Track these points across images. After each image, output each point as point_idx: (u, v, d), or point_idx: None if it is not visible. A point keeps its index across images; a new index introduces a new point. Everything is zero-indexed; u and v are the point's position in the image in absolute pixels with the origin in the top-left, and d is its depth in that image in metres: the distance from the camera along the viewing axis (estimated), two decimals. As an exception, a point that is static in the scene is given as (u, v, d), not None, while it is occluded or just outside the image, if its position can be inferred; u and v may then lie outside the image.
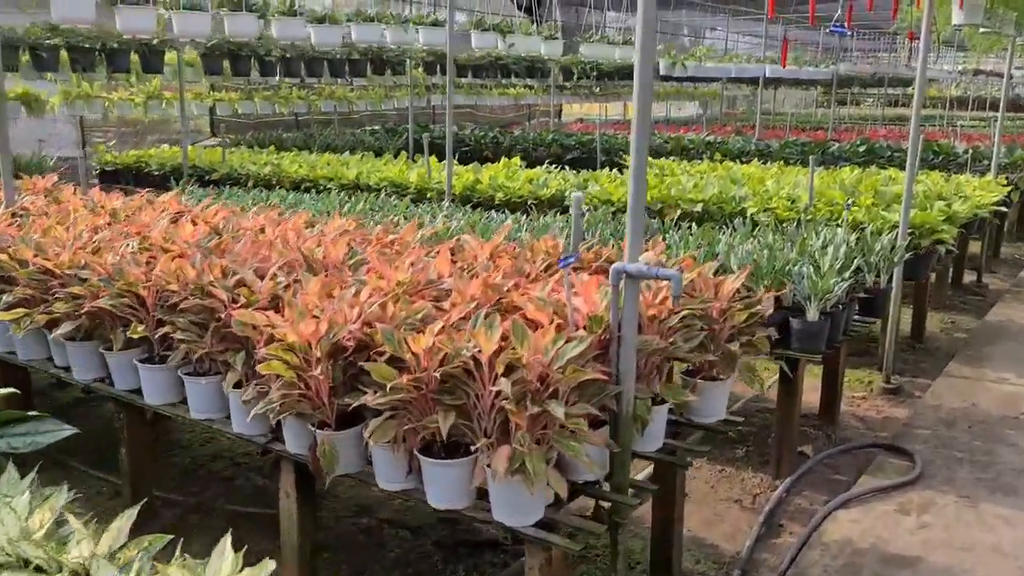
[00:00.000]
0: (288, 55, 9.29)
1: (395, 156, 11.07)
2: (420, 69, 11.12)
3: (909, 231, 5.07)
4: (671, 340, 2.56)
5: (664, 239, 4.40)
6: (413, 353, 2.25)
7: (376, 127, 13.05)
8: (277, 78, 10.09)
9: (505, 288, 2.65)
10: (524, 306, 2.45)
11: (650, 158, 8.82)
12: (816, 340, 3.75)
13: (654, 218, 6.04)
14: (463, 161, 11.67)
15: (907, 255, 4.87)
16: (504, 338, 2.24)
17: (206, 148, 9.86)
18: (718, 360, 2.82)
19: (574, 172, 7.52)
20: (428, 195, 7.05)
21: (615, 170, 8.14)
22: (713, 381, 2.91)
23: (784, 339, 3.83)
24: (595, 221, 4.97)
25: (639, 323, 2.47)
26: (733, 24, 22.30)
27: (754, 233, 4.73)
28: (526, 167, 7.83)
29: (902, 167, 8.63)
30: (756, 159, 9.27)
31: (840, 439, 4.46)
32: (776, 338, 3.80)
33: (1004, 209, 6.68)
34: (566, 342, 2.23)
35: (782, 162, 8.46)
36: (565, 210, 6.13)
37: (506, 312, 2.52)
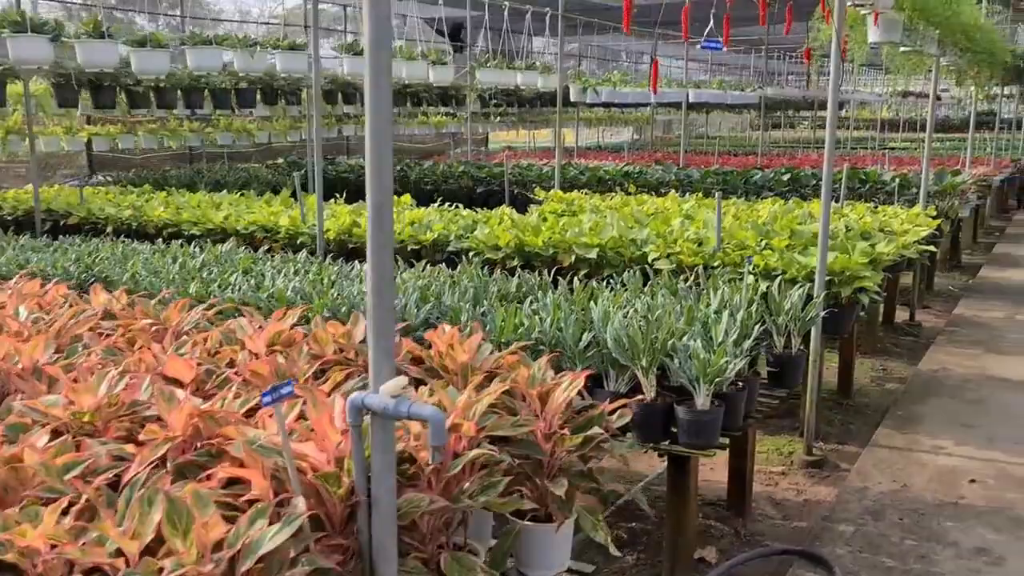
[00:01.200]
0: (162, 85, 8.42)
1: (292, 194, 10.24)
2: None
3: (828, 277, 4.41)
4: (460, 491, 1.78)
5: (532, 302, 3.65)
6: (21, 552, 1.43)
7: (280, 160, 12.19)
8: (159, 110, 9.21)
9: (231, 417, 1.84)
10: (237, 454, 1.65)
11: (560, 192, 8.12)
12: (708, 433, 3.01)
13: (545, 267, 5.31)
14: (362, 197, 10.89)
15: (825, 310, 4.20)
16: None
17: (71, 189, 8.89)
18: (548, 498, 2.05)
19: (474, 209, 6.78)
20: (300, 240, 6.23)
21: (521, 207, 7.43)
22: (545, 523, 2.14)
23: (669, 429, 3.09)
24: (458, 279, 4.20)
25: (410, 471, 1.69)
26: (667, 48, 21.97)
27: (652, 287, 4.01)
28: (441, 203, 7.06)
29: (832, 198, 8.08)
30: (675, 190, 8.64)
31: (751, 535, 3.72)
32: (662, 427, 3.08)
33: (932, 249, 6.08)
34: (270, 523, 1.44)
35: (700, 194, 7.83)
36: (450, 259, 5.36)
37: (221, 458, 1.71)
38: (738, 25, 17.40)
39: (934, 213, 6.71)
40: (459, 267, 4.55)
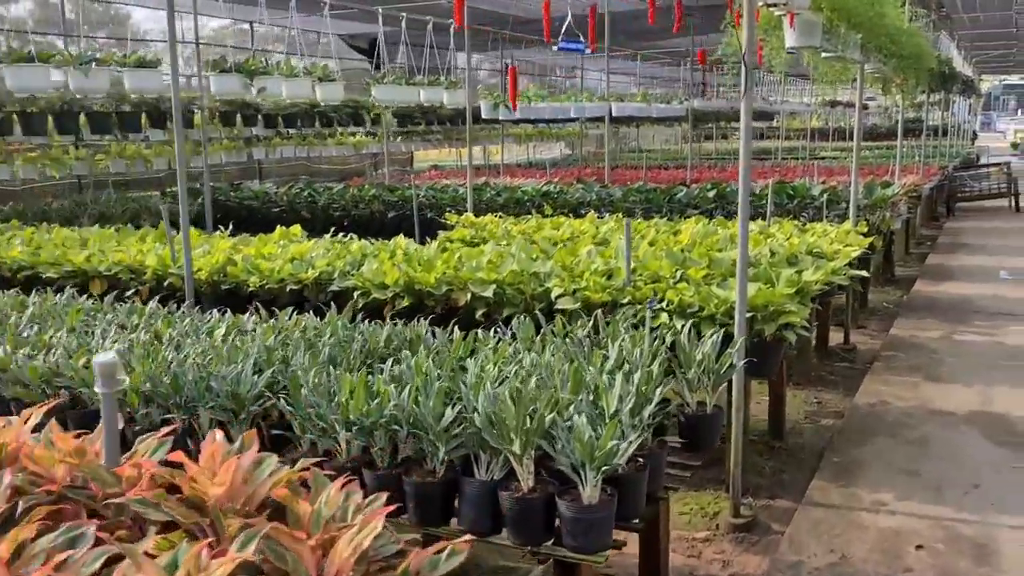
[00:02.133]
0: (28, 109, 7.60)
1: (193, 224, 9.44)
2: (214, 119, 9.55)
3: (750, 313, 3.88)
4: None
5: (397, 362, 3.02)
6: None
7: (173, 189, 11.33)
8: (35, 136, 8.39)
9: None
10: None
11: (471, 216, 7.52)
12: (598, 531, 2.41)
13: (439, 308, 4.70)
14: (269, 226, 10.15)
15: (746, 355, 3.66)
16: None
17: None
18: None
19: (380, 239, 6.13)
20: (169, 282, 5.50)
21: (434, 233, 6.80)
22: None
23: (552, 526, 2.49)
24: (322, 331, 3.55)
25: None
26: (597, 62, 21.58)
27: (544, 336, 3.41)
28: (346, 231, 6.41)
29: (756, 216, 7.62)
30: (596, 210, 8.11)
31: (667, 630, 3.13)
32: (543, 523, 2.48)
33: (864, 274, 5.63)
34: None
35: (620, 215, 7.30)
36: (333, 301, 4.71)
37: None
38: (668, 36, 17.16)
39: (865, 229, 6.28)
40: (328, 315, 3.90)
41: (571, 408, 2.58)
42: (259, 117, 9.79)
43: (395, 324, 3.74)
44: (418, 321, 3.98)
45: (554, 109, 10.42)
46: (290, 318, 3.97)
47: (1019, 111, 54.29)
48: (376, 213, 9.40)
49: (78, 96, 7.19)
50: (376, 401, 2.68)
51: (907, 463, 4.39)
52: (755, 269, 4.42)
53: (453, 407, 2.59)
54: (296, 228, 6.48)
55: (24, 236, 7.07)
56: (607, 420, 2.52)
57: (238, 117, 9.60)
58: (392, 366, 3.01)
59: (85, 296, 5.54)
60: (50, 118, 7.74)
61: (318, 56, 16.61)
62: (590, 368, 2.83)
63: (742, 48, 3.63)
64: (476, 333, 3.47)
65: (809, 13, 4.13)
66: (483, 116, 9.44)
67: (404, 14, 9.93)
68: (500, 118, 9.43)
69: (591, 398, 2.65)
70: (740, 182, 3.93)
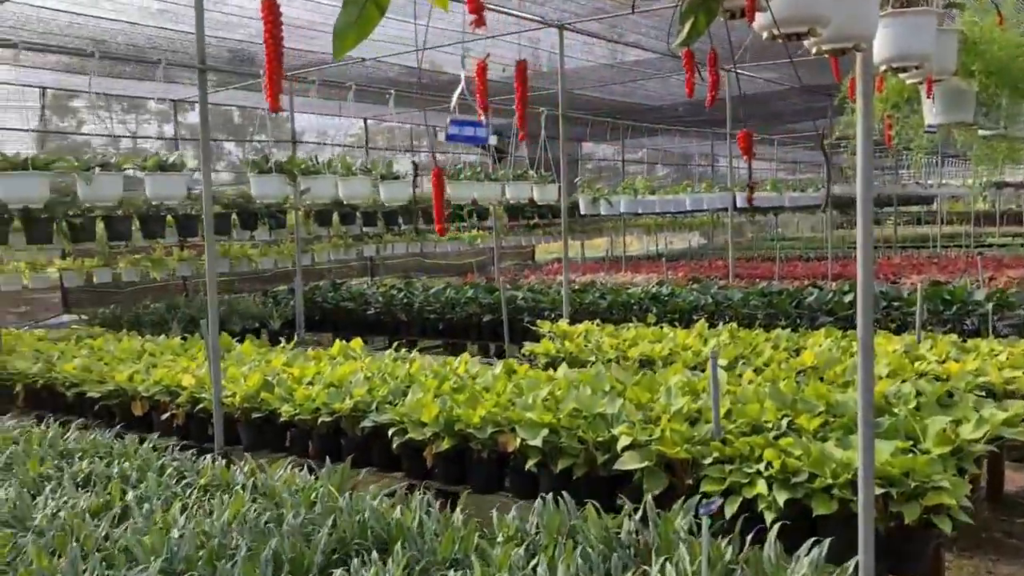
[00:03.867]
0: (115, 214, 7.40)
1: (278, 331, 9.05)
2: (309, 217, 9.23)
3: (880, 486, 2.79)
4: None
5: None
6: None
7: (281, 287, 11.10)
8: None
9: None
10: None
11: (564, 324, 6.64)
12: None
13: (487, 452, 3.81)
14: (365, 329, 9.64)
15: (876, 550, 2.56)
16: None
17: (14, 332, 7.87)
18: None
19: (469, 344, 5.37)
20: (202, 405, 4.90)
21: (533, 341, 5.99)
22: None
23: None
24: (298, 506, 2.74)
25: None
26: (734, 147, 20.50)
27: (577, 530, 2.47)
28: (445, 336, 5.74)
29: (905, 326, 6.36)
30: (709, 317, 7.06)
31: None
32: None
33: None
34: None
35: (735, 325, 6.23)
36: (371, 439, 3.94)
37: None
38: (803, 119, 15.98)
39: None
40: (309, 482, 3.09)
41: None
42: (357, 215, 9.39)
43: (391, 495, 2.87)
44: (463, 467, 3.09)
45: (665, 202, 9.51)
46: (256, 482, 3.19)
47: None
48: (472, 316, 8.68)
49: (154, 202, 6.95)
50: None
51: None
52: (891, 418, 3.30)
53: None
54: (356, 342, 5.79)
55: (96, 345, 6.77)
56: None
57: (335, 216, 9.23)
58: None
59: (119, 424, 5.06)
60: (136, 220, 7.54)
61: (445, 150, 16.47)
62: None
63: (857, 130, 2.65)
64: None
65: (956, 80, 3.12)
66: (581, 212, 8.64)
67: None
68: (602, 212, 8.61)
69: None
70: (860, 289, 2.77)
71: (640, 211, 9.58)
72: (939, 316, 6.32)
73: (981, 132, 3.97)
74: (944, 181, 18.56)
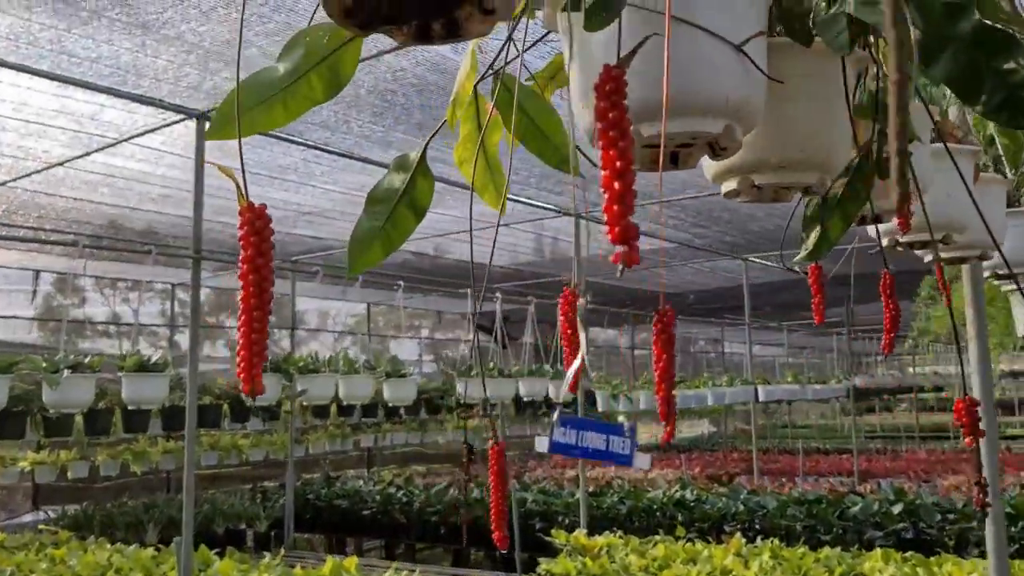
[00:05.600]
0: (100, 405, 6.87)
1: (266, 532, 8.32)
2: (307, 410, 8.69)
3: None
4: None
5: None
6: None
7: (267, 484, 10.38)
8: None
9: None
10: None
11: (582, 536, 5.95)
12: None
13: None
14: (361, 531, 8.88)
15: None
16: None
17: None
18: None
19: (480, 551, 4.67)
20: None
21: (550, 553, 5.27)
22: None
23: None
24: None
25: None
26: (742, 333, 20.23)
27: None
28: (447, 543, 5.01)
29: (965, 544, 5.69)
30: (742, 527, 6.38)
31: None
32: None
33: None
34: None
35: (777, 541, 5.54)
36: None
37: None
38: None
39: None
40: None
41: None
42: (357, 407, 8.86)
43: None
44: None
45: (686, 397, 9.01)
46: None
47: None
48: (478, 519, 7.94)
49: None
50: None
51: None
52: None
53: None
54: (350, 560, 5.09)
55: (57, 556, 6.03)
56: None
57: (332, 408, 8.70)
58: None
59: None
60: (118, 411, 7.00)
61: (446, 335, 16.08)
62: None
63: (956, 331, 2.18)
64: None
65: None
66: (599, 408, 8.13)
67: (532, 297, 9.13)
68: (620, 408, 8.10)
69: None
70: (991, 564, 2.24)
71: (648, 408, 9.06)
72: (1009, 534, 5.62)
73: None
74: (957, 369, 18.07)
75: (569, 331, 1.05)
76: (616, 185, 0.53)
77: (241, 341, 0.79)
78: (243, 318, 0.80)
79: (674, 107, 0.75)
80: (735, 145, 0.85)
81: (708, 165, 1.14)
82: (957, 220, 1.61)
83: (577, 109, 0.91)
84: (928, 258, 1.86)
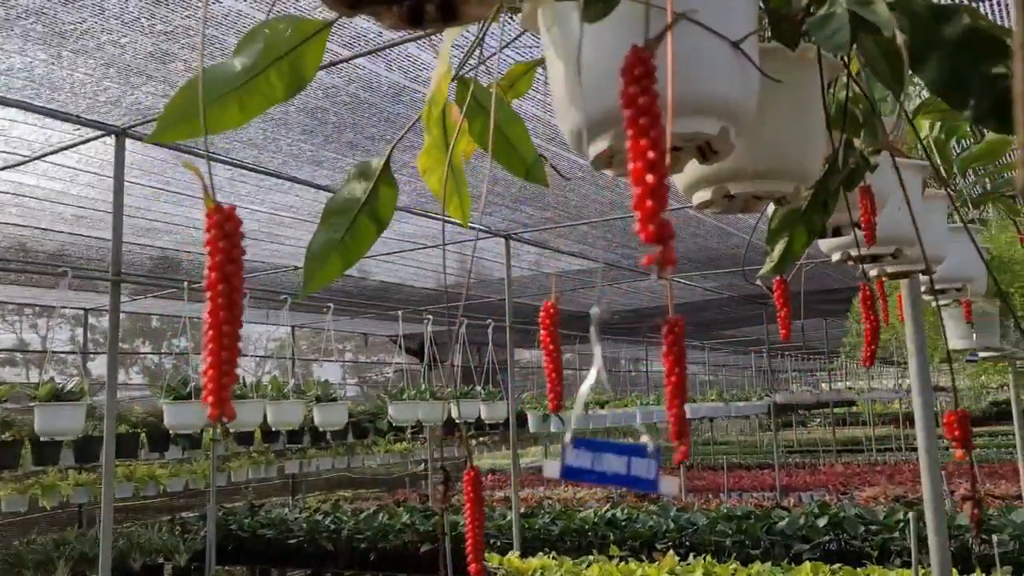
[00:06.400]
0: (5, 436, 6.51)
1: (186, 566, 7.98)
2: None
3: None
4: None
5: None
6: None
7: (190, 515, 10.01)
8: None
9: None
10: None
11: (515, 559, 5.89)
12: None
13: None
14: (286, 562, 8.61)
15: None
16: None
17: None
18: None
19: None
20: None
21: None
22: None
23: None
24: None
25: None
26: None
27: None
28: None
29: (887, 555, 5.83)
30: (673, 546, 6.41)
31: None
32: None
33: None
34: None
35: (709, 557, 5.58)
36: None
37: None
38: (738, 325, 16.13)
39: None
40: None
41: None
42: (282, 433, 8.62)
43: None
44: None
45: (617, 415, 9.06)
46: None
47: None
48: (408, 545, 7.80)
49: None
50: None
51: None
52: None
53: None
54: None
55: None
56: None
57: (256, 434, 8.44)
58: None
59: None
60: (27, 444, 6.63)
61: (371, 358, 15.83)
62: None
63: (909, 348, 2.23)
64: None
65: (983, 302, 2.80)
66: (531, 429, 8.10)
67: (464, 319, 9.06)
68: (552, 429, 8.08)
69: None
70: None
71: (592, 426, 9.08)
72: (923, 541, 5.80)
73: (982, 353, 3.65)
74: (872, 385, 18.73)
75: (551, 346, 1.01)
76: (649, 178, 0.50)
77: (209, 360, 0.73)
78: (211, 334, 0.73)
79: (674, 107, 0.72)
80: (727, 148, 0.83)
81: (679, 176, 1.12)
82: (908, 234, 1.64)
83: (560, 109, 0.88)
84: (873, 272, 1.88)
